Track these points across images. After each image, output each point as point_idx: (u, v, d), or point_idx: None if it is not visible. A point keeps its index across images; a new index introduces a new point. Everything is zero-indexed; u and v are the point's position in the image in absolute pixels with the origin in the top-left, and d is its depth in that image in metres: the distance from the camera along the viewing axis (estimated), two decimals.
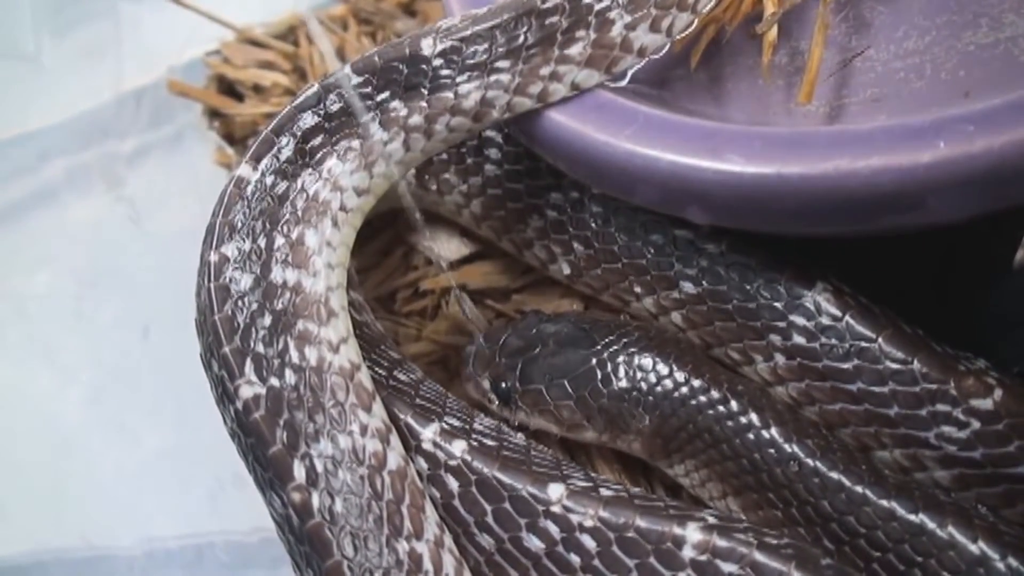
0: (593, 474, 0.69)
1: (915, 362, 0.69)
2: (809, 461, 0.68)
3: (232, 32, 1.16)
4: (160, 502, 0.94)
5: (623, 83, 0.71)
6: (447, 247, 0.97)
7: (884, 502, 0.66)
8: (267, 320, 0.63)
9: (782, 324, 0.73)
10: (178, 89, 1.12)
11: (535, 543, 0.64)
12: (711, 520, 0.63)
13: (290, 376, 0.62)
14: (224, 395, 0.62)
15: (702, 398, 0.72)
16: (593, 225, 0.81)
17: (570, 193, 0.82)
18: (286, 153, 0.66)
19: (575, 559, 0.64)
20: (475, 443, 0.67)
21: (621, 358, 0.74)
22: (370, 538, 0.60)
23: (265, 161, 0.66)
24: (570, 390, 0.74)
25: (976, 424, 0.68)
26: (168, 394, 0.94)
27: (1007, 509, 0.69)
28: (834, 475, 0.67)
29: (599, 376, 0.73)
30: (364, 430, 0.62)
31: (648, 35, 0.69)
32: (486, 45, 0.67)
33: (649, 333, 0.76)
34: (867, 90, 0.70)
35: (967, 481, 0.69)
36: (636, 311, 0.83)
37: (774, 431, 0.70)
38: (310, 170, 0.67)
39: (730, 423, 0.71)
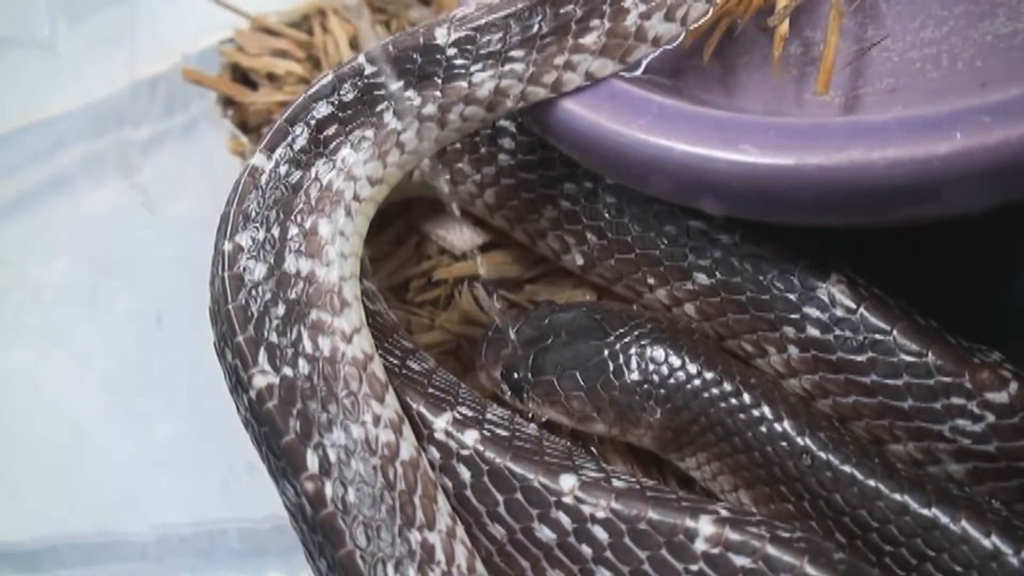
0: (605, 465, 0.69)
1: (930, 355, 0.68)
2: (822, 454, 0.68)
3: (246, 20, 1.16)
4: (173, 490, 0.94)
5: (637, 73, 0.71)
6: (459, 237, 0.97)
7: (897, 496, 0.66)
8: (281, 309, 0.63)
9: (796, 316, 0.72)
10: (192, 77, 1.12)
11: (547, 534, 0.64)
12: (724, 513, 0.62)
13: (303, 366, 0.62)
14: (238, 384, 0.63)
15: (714, 391, 0.71)
16: (607, 215, 0.81)
17: (584, 183, 0.82)
18: (300, 142, 0.66)
19: (587, 550, 0.63)
20: (487, 433, 0.67)
21: (633, 350, 0.73)
22: (383, 528, 0.60)
23: (279, 150, 0.66)
24: (581, 381, 0.74)
25: (991, 417, 0.67)
26: (181, 382, 0.94)
27: (1021, 503, 0.68)
28: (847, 468, 0.67)
29: (611, 368, 0.73)
30: (377, 420, 0.63)
31: (663, 24, 0.69)
32: (500, 34, 0.67)
33: (662, 324, 0.75)
34: (883, 80, 0.70)
35: (981, 475, 0.69)
36: (649, 302, 0.82)
37: (787, 424, 0.69)
38: (324, 159, 0.67)
39: (742, 416, 0.71)
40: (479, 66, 0.67)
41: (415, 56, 0.67)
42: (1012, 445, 0.67)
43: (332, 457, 0.60)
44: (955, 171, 0.57)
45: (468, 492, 0.66)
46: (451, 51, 0.67)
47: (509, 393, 0.77)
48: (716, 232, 0.75)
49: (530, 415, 0.77)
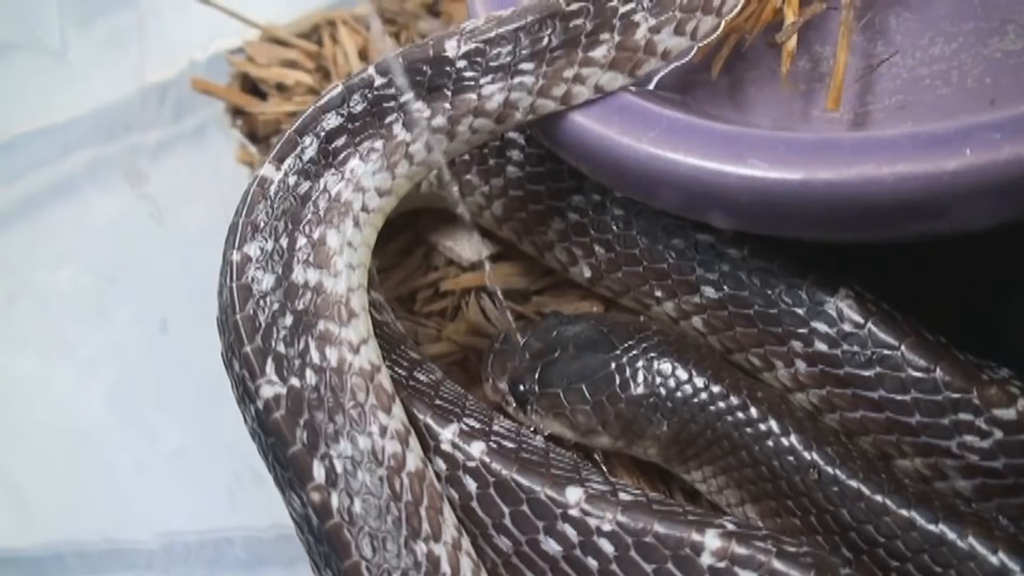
0: (612, 478, 0.69)
1: (937, 370, 0.68)
2: (828, 469, 0.68)
3: (255, 29, 1.16)
4: (179, 498, 0.94)
5: (649, 87, 0.71)
6: (467, 248, 0.97)
7: (904, 511, 0.65)
8: (288, 320, 0.63)
9: (804, 330, 0.72)
10: (201, 87, 1.12)
11: (553, 546, 0.64)
12: (730, 527, 0.62)
13: (311, 376, 0.62)
14: (245, 394, 0.63)
15: (721, 404, 0.71)
16: (614, 228, 0.81)
17: (592, 196, 0.82)
18: (309, 153, 0.66)
19: (593, 563, 0.63)
20: (494, 445, 0.67)
21: (640, 363, 0.73)
22: (388, 539, 0.60)
23: (288, 161, 0.66)
24: (587, 395, 0.74)
25: (999, 434, 0.67)
26: (187, 391, 0.94)
27: None
28: (853, 483, 0.67)
29: (617, 381, 0.73)
30: (384, 431, 0.62)
31: (672, 38, 0.69)
32: (510, 47, 0.67)
33: (669, 337, 0.75)
34: (892, 96, 0.70)
35: (989, 491, 0.69)
36: (656, 315, 0.82)
37: (793, 438, 0.69)
38: (333, 170, 0.67)
39: (749, 430, 0.70)
40: (489, 78, 0.68)
41: (425, 68, 0.67)
42: (1019, 462, 0.67)
43: (338, 468, 0.60)
44: (964, 187, 0.57)
45: (474, 504, 0.66)
46: (461, 63, 0.67)
47: (514, 405, 0.77)
48: (724, 246, 0.75)
49: (533, 428, 0.76)
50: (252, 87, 1.14)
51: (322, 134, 0.67)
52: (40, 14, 1.16)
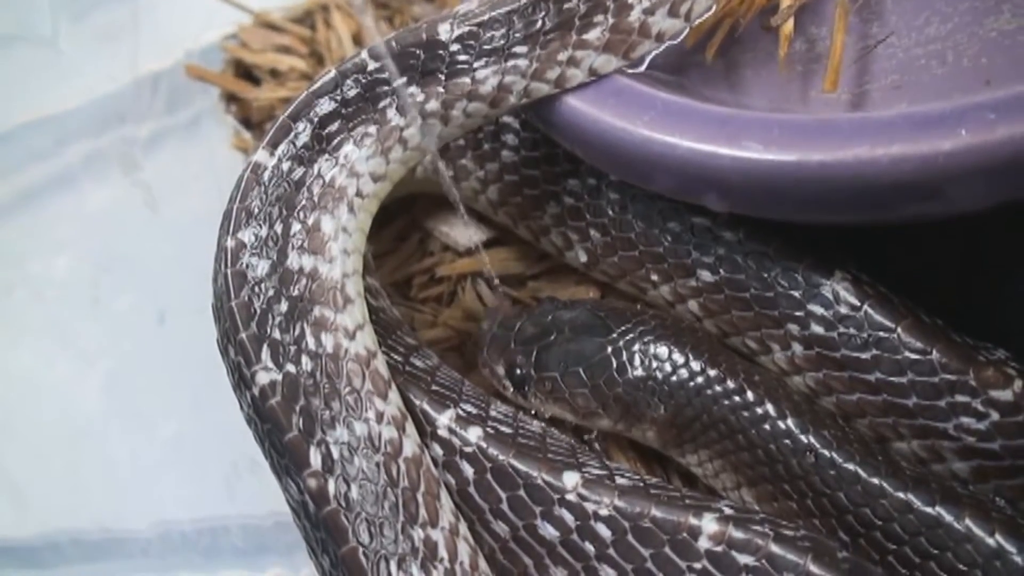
0: (609, 463, 0.69)
1: (934, 352, 0.68)
2: (825, 452, 0.68)
3: (249, 16, 1.16)
4: (176, 487, 0.94)
5: (641, 69, 0.71)
6: (463, 233, 0.96)
7: (901, 494, 0.65)
8: (284, 306, 0.63)
9: (800, 313, 0.72)
10: (195, 73, 1.12)
11: (550, 531, 0.64)
12: (727, 511, 0.62)
13: (306, 363, 0.62)
14: (241, 381, 0.62)
15: (717, 388, 0.71)
16: (610, 212, 0.81)
17: (587, 180, 0.82)
18: (303, 139, 0.66)
19: (590, 548, 0.63)
20: (491, 430, 0.67)
21: (637, 347, 0.73)
22: (385, 525, 0.60)
23: (282, 147, 0.66)
24: (585, 378, 0.74)
25: (995, 415, 0.67)
26: (184, 380, 0.94)
27: None
28: (850, 466, 0.67)
29: (614, 364, 0.73)
30: (380, 417, 0.62)
31: (667, 20, 0.69)
32: (503, 30, 0.67)
33: (665, 322, 0.75)
34: (888, 77, 0.70)
35: (985, 473, 0.69)
36: (653, 299, 0.82)
37: (790, 422, 0.69)
38: (327, 156, 0.67)
39: (746, 413, 0.70)
40: (482, 62, 0.67)
41: (418, 52, 0.67)
42: (1016, 443, 0.67)
43: (335, 454, 0.60)
44: (960, 168, 0.57)
45: (471, 489, 0.66)
46: (454, 47, 0.67)
47: (512, 390, 0.77)
48: (720, 229, 0.75)
49: (533, 412, 0.76)
50: (246, 73, 1.14)
51: (315, 119, 0.67)
52: (34, 7, 1.15)
